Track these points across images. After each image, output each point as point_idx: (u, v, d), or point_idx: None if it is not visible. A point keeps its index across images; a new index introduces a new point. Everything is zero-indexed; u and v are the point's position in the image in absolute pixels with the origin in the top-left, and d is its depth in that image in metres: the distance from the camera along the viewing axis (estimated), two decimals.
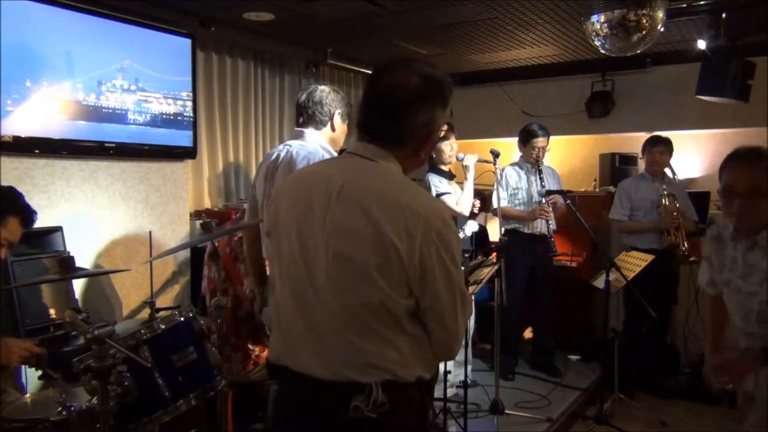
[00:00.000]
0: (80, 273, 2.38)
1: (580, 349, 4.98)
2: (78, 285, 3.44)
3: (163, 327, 2.13)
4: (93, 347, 1.74)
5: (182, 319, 2.21)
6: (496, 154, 3.85)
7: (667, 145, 4.36)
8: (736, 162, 2.09)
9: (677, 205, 4.30)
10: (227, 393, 2.66)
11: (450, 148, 4.00)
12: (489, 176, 4.09)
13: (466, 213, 3.96)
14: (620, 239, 4.64)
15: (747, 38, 4.34)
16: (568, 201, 4.32)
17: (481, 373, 4.56)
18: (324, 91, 2.74)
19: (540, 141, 4.39)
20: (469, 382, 3.60)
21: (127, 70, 3.70)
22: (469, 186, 3.94)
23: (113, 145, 3.71)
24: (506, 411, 3.69)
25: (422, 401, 1.49)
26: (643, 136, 4.63)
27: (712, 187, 5.33)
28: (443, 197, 3.89)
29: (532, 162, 4.45)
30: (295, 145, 2.67)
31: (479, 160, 3.94)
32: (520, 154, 4.59)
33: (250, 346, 3.39)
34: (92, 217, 3.70)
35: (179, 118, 4.04)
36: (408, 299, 1.40)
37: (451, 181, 4.11)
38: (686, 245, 4.24)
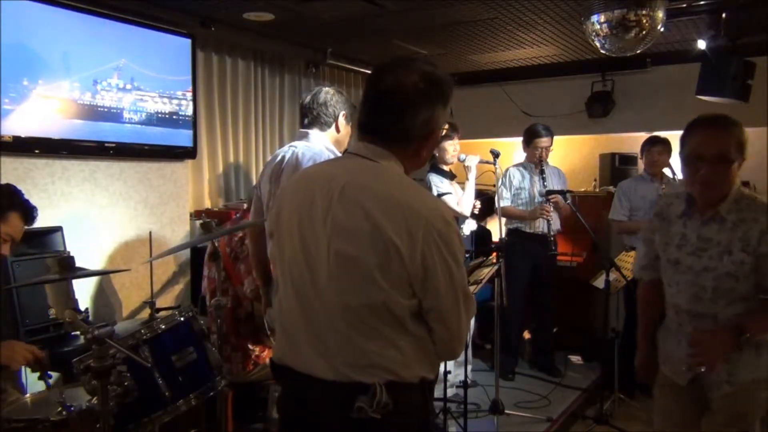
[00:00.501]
0: (80, 273, 2.38)
1: (580, 349, 4.98)
2: (78, 285, 3.44)
3: (163, 327, 2.12)
4: (93, 347, 1.74)
5: (182, 319, 2.20)
6: (496, 154, 3.85)
7: (665, 146, 4.36)
8: (702, 127, 2.02)
9: None
10: (227, 393, 2.66)
11: (453, 148, 4.00)
12: (489, 176, 4.09)
13: (467, 213, 3.96)
14: (620, 239, 4.64)
15: (747, 38, 4.34)
16: (569, 201, 4.33)
17: (481, 373, 4.56)
18: (328, 93, 2.75)
19: (543, 141, 4.40)
20: (469, 382, 3.61)
21: (123, 69, 3.70)
22: (471, 186, 3.95)
23: (113, 145, 3.71)
24: (506, 411, 3.69)
25: (425, 402, 1.49)
26: (643, 136, 4.63)
27: None
28: (444, 197, 3.89)
29: (535, 162, 4.46)
30: (300, 146, 2.67)
31: (481, 161, 3.94)
32: (525, 154, 4.59)
33: (250, 346, 3.39)
34: (92, 217, 3.70)
35: (174, 117, 4.04)
36: (411, 299, 1.40)
37: (452, 182, 4.12)
38: None
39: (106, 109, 3.62)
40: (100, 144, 3.64)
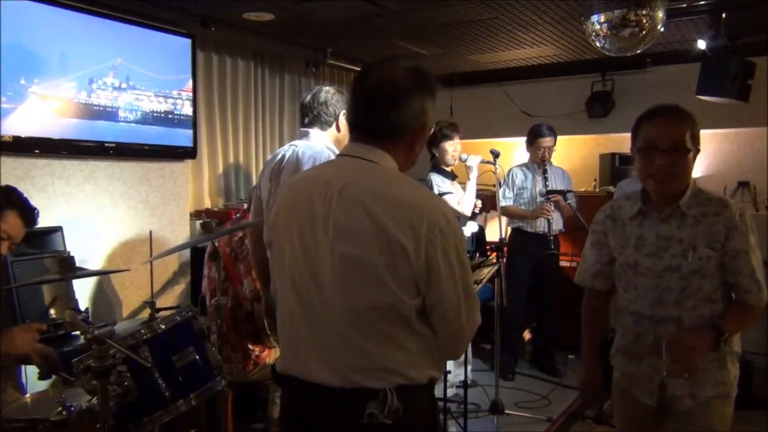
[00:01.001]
0: (80, 273, 2.37)
1: (580, 349, 4.97)
2: (78, 285, 3.44)
3: (163, 327, 2.12)
4: (93, 347, 1.74)
5: (182, 319, 2.20)
6: (496, 154, 3.85)
7: None
8: (659, 117, 1.90)
9: None
10: (227, 393, 2.66)
11: (453, 148, 4.00)
12: (489, 176, 4.09)
13: (468, 213, 3.96)
14: None
15: (747, 38, 4.34)
16: (569, 201, 4.33)
17: (481, 373, 4.56)
18: (329, 92, 2.75)
19: (546, 141, 4.40)
20: (469, 382, 3.61)
21: (119, 68, 3.70)
22: (472, 186, 3.94)
23: (113, 144, 3.71)
24: (506, 411, 3.69)
25: (433, 402, 1.49)
26: None
27: (712, 187, 5.33)
28: (445, 197, 3.89)
29: (538, 162, 4.46)
30: (300, 145, 2.67)
31: (482, 161, 3.94)
32: (528, 154, 4.60)
33: (250, 346, 3.39)
34: (92, 217, 3.70)
35: (170, 116, 4.04)
36: (416, 298, 1.39)
37: (453, 182, 4.12)
38: None
39: (101, 108, 3.62)
40: (99, 144, 3.64)
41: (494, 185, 3.95)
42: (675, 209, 1.89)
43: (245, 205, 3.95)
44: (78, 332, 1.80)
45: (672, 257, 1.88)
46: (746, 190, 5.19)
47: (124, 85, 3.75)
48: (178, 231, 4.26)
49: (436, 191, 3.90)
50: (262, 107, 5.02)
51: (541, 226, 4.43)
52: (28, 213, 2.27)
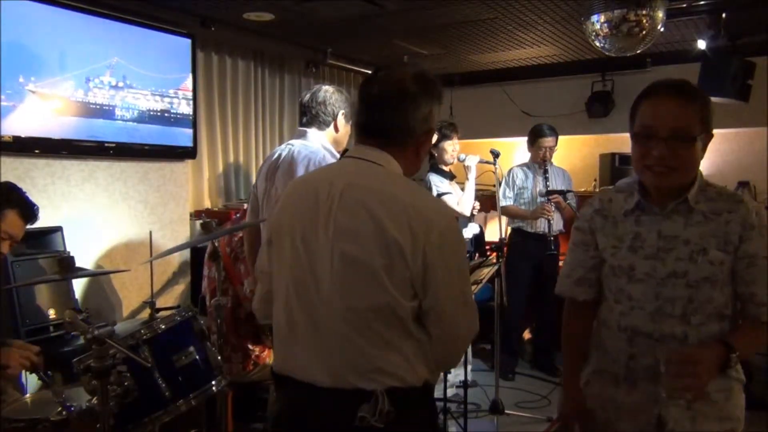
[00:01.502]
0: (80, 273, 2.37)
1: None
2: (78, 285, 3.44)
3: (163, 327, 2.12)
4: (93, 347, 1.74)
5: (182, 319, 2.20)
6: (496, 154, 3.85)
7: None
8: (661, 95, 1.57)
9: None
10: (227, 393, 2.65)
11: (452, 148, 4.00)
12: (489, 176, 4.09)
13: (467, 213, 3.97)
14: None
15: (747, 38, 4.34)
16: (569, 201, 4.33)
17: (481, 373, 4.56)
18: (328, 92, 2.74)
19: (547, 141, 4.40)
20: (469, 382, 3.60)
21: (116, 67, 3.71)
22: (471, 187, 3.94)
23: (113, 144, 3.71)
24: (506, 411, 3.69)
25: (430, 409, 1.49)
26: None
27: None
28: (444, 197, 3.89)
29: (539, 162, 4.46)
30: (297, 145, 2.66)
31: (481, 161, 3.94)
32: (529, 154, 4.60)
33: (250, 347, 3.39)
34: (92, 217, 3.70)
35: (167, 114, 4.04)
36: (412, 301, 1.39)
37: (452, 182, 4.12)
38: None
39: (98, 106, 3.63)
40: (99, 144, 3.64)
41: (494, 185, 3.95)
42: (681, 203, 1.57)
43: (245, 206, 3.95)
44: (78, 332, 1.79)
45: (677, 261, 1.56)
46: (746, 190, 5.19)
47: (120, 84, 3.75)
48: (178, 231, 4.26)
49: (434, 192, 3.90)
50: (262, 107, 5.02)
51: (541, 226, 4.43)
52: (28, 210, 2.24)
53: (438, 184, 3.99)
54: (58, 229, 3.38)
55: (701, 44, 4.30)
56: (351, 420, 1.36)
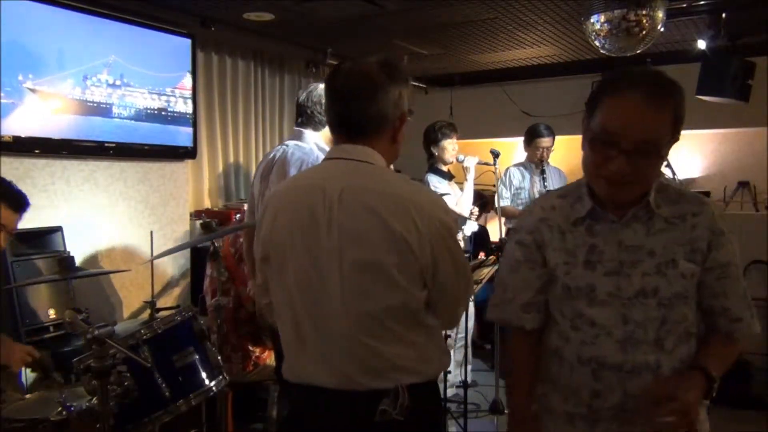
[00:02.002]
0: (80, 273, 2.37)
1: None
2: (78, 285, 3.44)
3: (163, 327, 2.12)
4: (93, 347, 1.74)
5: (182, 319, 2.20)
6: (496, 154, 3.85)
7: None
8: (629, 93, 1.27)
9: None
10: (227, 393, 2.66)
11: (452, 147, 4.00)
12: (489, 176, 4.09)
13: (466, 214, 3.96)
14: None
15: (747, 38, 4.34)
16: None
17: (481, 373, 4.56)
18: (324, 91, 2.72)
19: (544, 141, 4.39)
20: (469, 382, 3.60)
21: (113, 65, 3.71)
22: (469, 187, 3.94)
23: (113, 145, 3.71)
24: (506, 411, 3.68)
25: (437, 402, 1.52)
26: None
27: (712, 187, 5.34)
28: (443, 197, 3.88)
29: (536, 162, 4.45)
30: (291, 145, 2.65)
31: (479, 162, 3.94)
32: (526, 154, 4.59)
33: (251, 347, 3.39)
34: (92, 217, 3.70)
35: (164, 113, 4.04)
36: (423, 290, 1.42)
37: (451, 182, 4.11)
38: None
39: (95, 104, 3.63)
40: (99, 144, 3.64)
41: (494, 185, 3.95)
42: (641, 208, 1.35)
43: (245, 206, 3.95)
44: (78, 332, 1.79)
45: (644, 276, 1.34)
46: (746, 190, 5.19)
47: (117, 82, 3.76)
48: (178, 231, 4.25)
49: None
50: (262, 107, 5.02)
51: None
52: (18, 200, 2.16)
53: (437, 184, 3.99)
54: (58, 229, 3.38)
55: (701, 44, 4.30)
56: (368, 419, 1.37)
